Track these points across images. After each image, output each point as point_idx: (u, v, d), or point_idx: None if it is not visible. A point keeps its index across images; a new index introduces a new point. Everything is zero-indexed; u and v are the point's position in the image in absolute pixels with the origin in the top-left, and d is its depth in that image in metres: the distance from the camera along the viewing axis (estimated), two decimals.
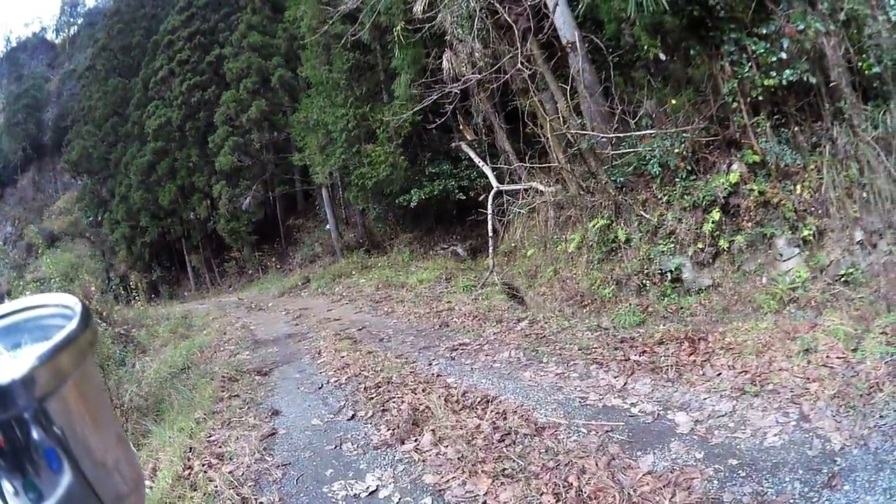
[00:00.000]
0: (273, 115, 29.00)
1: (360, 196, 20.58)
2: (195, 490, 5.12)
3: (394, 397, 6.76)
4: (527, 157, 13.78)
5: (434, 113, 19.24)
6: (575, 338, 8.09)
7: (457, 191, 18.09)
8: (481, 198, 15.77)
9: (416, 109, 16.18)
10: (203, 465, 5.63)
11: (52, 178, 66.02)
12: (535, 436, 5.19)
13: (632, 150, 10.27)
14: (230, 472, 5.41)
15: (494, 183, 14.97)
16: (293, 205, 34.82)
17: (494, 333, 9.09)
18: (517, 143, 14.98)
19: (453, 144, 18.17)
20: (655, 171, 9.75)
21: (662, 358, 6.68)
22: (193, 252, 35.88)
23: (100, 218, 39.94)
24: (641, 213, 9.88)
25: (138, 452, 6.65)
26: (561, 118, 11.19)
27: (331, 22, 17.91)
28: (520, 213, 13.94)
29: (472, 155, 16.91)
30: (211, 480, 5.25)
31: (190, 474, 5.47)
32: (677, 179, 9.62)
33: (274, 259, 30.05)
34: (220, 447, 6.12)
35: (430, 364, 8.08)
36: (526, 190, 13.70)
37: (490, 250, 14.14)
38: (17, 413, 0.63)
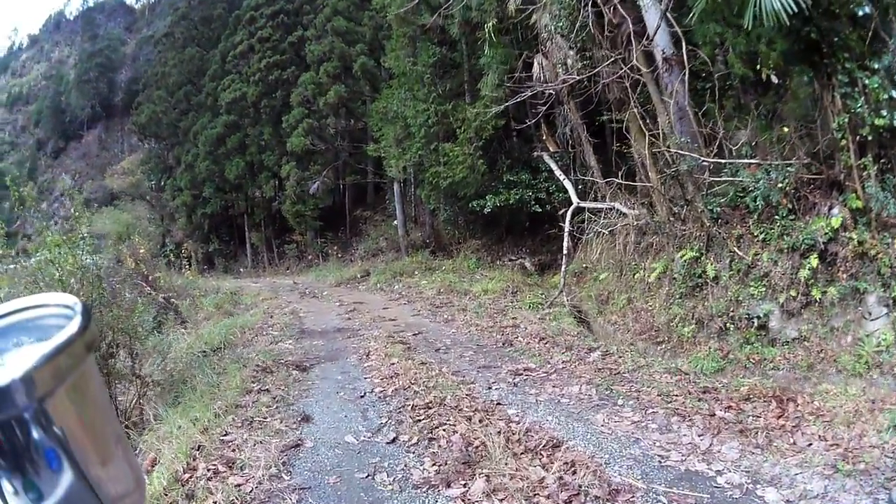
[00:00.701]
0: (351, 102, 28.81)
1: (432, 195, 20.18)
2: (191, 502, 4.53)
3: (445, 423, 5.97)
4: (613, 175, 13.08)
5: (517, 120, 18.86)
6: (653, 379, 7.27)
7: (533, 202, 17.38)
8: (559, 212, 15.16)
9: (500, 109, 15.80)
10: (208, 471, 4.99)
11: (119, 138, 68.12)
12: (608, 500, 4.41)
13: (732, 178, 9.38)
14: (237, 487, 4.74)
15: (575, 199, 14.37)
16: (363, 196, 34.51)
17: (563, 362, 8.29)
18: (602, 159, 14.28)
19: (535, 154, 17.66)
20: (757, 205, 8.84)
21: (750, 418, 5.90)
22: (254, 229, 36.17)
23: (162, 183, 40.66)
24: (735, 249, 8.98)
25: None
26: (661, 135, 10.37)
27: (420, 13, 17.57)
28: (598, 233, 13.23)
29: (554, 167, 16.27)
30: (211, 494, 4.59)
31: (190, 479, 4.85)
32: (777, 217, 8.67)
33: (336, 247, 29.56)
34: (233, 451, 5.49)
35: (489, 388, 7.31)
36: (609, 210, 12.93)
37: (562, 269, 13.41)
38: (17, 413, 0.62)
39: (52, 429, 0.65)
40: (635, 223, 11.82)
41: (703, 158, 9.58)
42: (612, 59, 11.28)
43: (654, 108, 11.03)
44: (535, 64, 14.51)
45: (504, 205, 17.44)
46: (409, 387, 7.31)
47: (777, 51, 8.87)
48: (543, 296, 13.49)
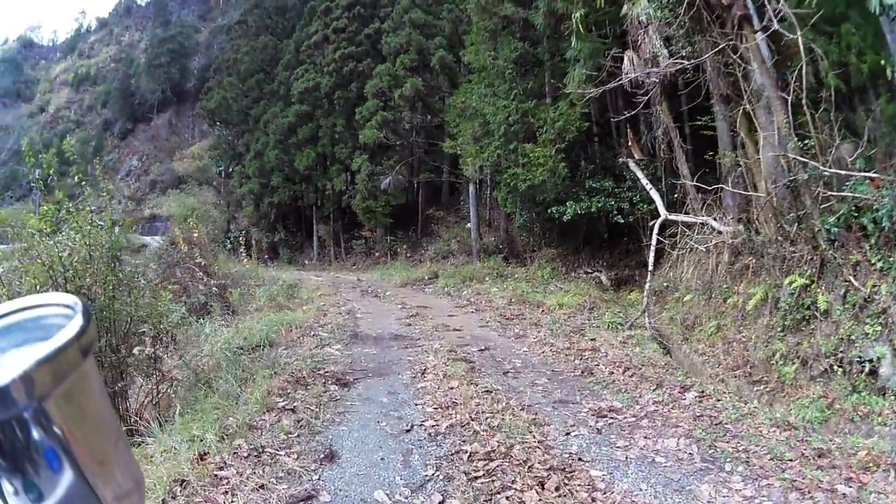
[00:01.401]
0: (428, 96, 28.10)
1: (509, 198, 19.29)
2: None
3: (509, 487, 4.80)
4: (705, 186, 12.14)
5: (600, 125, 17.98)
6: (760, 434, 6.14)
7: (615, 212, 16.44)
8: (642, 225, 14.55)
9: (586, 107, 15.83)
10: None
11: (189, 123, 70.08)
12: None
13: (852, 194, 8.16)
14: None
15: (663, 211, 13.39)
16: (436, 195, 34.11)
17: (654, 402, 7.17)
18: (693, 169, 13.22)
19: (620, 160, 16.62)
20: (882, 226, 7.62)
21: (872, 496, 4.81)
22: (322, 222, 35.90)
23: (230, 170, 40.90)
24: (851, 278, 7.84)
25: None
26: (777, 137, 9.17)
27: (502, 3, 16.82)
28: (686, 250, 12.18)
29: (640, 175, 15.20)
30: None
31: None
32: None
33: (405, 246, 28.81)
34: (223, 494, 4.50)
35: (567, 433, 6.21)
36: (700, 225, 11.86)
37: (646, 287, 12.42)
38: (17, 413, 0.62)
39: (52, 429, 0.64)
40: (730, 241, 10.70)
41: (822, 168, 8.36)
42: (721, 46, 10.13)
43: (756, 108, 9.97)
44: (626, 59, 13.48)
45: (585, 213, 16.62)
46: (469, 423, 6.25)
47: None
48: (622, 314, 12.58)
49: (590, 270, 17.50)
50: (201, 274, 14.90)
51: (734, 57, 9.96)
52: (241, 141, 40.10)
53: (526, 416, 6.59)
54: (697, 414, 6.76)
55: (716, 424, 6.46)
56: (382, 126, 27.91)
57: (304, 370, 8.05)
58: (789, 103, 8.83)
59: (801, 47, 8.60)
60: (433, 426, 6.30)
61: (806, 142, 8.84)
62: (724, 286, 10.48)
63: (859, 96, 10.05)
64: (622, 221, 16.38)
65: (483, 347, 10.17)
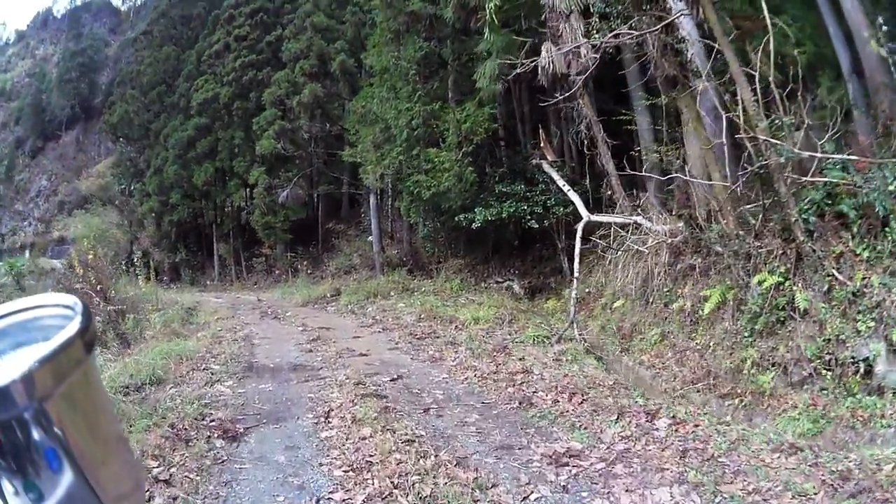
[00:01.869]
0: (328, 103, 26.76)
1: (412, 207, 17.98)
2: None
3: None
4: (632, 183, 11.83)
5: (507, 128, 17.78)
6: (764, 465, 4.77)
7: (529, 217, 15.17)
8: (572, 226, 13.20)
9: (493, 106, 15.22)
10: None
11: (96, 140, 66.56)
12: None
13: (833, 180, 7.03)
14: None
15: (584, 213, 12.25)
16: (336, 208, 32.93)
17: (621, 438, 5.57)
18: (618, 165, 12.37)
19: (533, 162, 15.75)
20: (873, 212, 6.67)
21: None
22: (223, 240, 34.65)
23: (132, 188, 39.28)
24: (834, 272, 6.68)
25: None
26: (742, 118, 7.88)
27: None
28: (617, 252, 11.11)
29: (556, 176, 14.45)
30: None
31: None
32: (888, 231, 6.56)
33: (306, 263, 27.48)
34: None
35: (525, 498, 4.53)
36: (636, 226, 10.75)
37: (571, 294, 11.08)
38: (17, 413, 0.62)
39: (52, 429, 0.64)
40: (669, 241, 9.61)
41: (799, 151, 7.14)
42: (670, 19, 8.93)
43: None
44: (543, 51, 12.27)
45: (495, 219, 15.37)
46: (391, 493, 4.55)
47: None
48: (545, 326, 11.23)
49: (501, 280, 16.54)
50: (98, 299, 13.14)
51: (685, 32, 8.85)
52: (142, 157, 38.13)
53: (465, 476, 4.85)
54: (680, 449, 5.20)
55: (707, 460, 4.97)
56: (280, 136, 26.55)
57: (187, 419, 6.23)
58: (757, 80, 7.69)
59: (768, 20, 7.62)
60: (345, 500, 4.62)
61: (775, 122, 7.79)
62: (665, 290, 9.59)
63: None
64: (536, 226, 15.26)
65: (396, 376, 8.50)
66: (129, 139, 39.38)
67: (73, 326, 0.66)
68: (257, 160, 28.19)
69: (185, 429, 5.96)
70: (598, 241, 11.63)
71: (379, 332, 12.69)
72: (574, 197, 13.19)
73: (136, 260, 23.06)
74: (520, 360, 8.97)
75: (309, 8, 27.92)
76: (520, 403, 6.95)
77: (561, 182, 14.06)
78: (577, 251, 11.51)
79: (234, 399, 7.54)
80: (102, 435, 0.71)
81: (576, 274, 11.39)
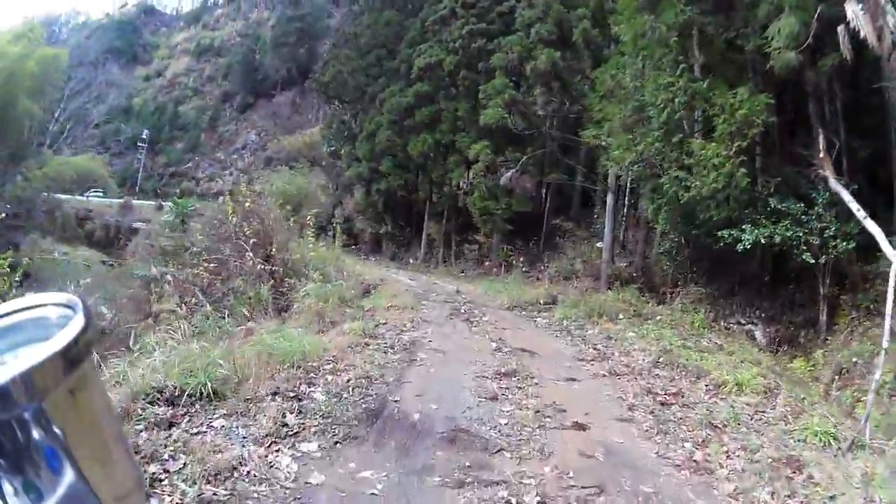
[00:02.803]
0: (567, 76, 23.66)
1: (664, 212, 14.75)
2: None
3: None
4: None
5: (785, 127, 14.67)
6: None
7: (803, 247, 12.67)
8: (871, 268, 12.15)
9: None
10: None
11: (315, 104, 69.23)
12: None
13: None
14: None
15: (891, 252, 9.57)
16: (566, 204, 30.51)
17: None
18: None
19: (815, 175, 12.98)
20: None
21: None
22: (434, 220, 33.43)
23: (341, 150, 38.99)
24: None
25: None
26: None
27: None
28: None
29: (848, 198, 11.85)
30: None
31: None
32: None
33: (522, 259, 25.66)
34: None
35: None
36: None
37: (875, 377, 8.04)
38: (16, 413, 0.63)
39: (51, 429, 0.65)
40: None
41: None
42: None
43: None
44: (849, 13, 10.46)
45: (767, 243, 12.84)
46: None
47: None
48: (826, 415, 7.92)
49: (743, 322, 14.56)
50: (251, 254, 12.02)
51: None
52: (355, 121, 37.50)
53: None
54: None
55: None
56: (509, 108, 23.82)
57: None
58: None
59: None
60: None
61: None
62: None
63: None
64: (812, 262, 12.62)
65: (636, 488, 5.16)
66: (342, 100, 39.20)
67: (74, 326, 0.65)
68: (482, 135, 26.00)
69: None
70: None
71: (603, 375, 9.26)
72: (874, 229, 10.75)
73: (333, 223, 23.00)
74: (814, 487, 5.40)
75: None
76: None
77: (855, 206, 11.48)
78: (888, 306, 8.33)
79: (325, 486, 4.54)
80: (102, 435, 0.71)
81: (885, 344, 8.24)
